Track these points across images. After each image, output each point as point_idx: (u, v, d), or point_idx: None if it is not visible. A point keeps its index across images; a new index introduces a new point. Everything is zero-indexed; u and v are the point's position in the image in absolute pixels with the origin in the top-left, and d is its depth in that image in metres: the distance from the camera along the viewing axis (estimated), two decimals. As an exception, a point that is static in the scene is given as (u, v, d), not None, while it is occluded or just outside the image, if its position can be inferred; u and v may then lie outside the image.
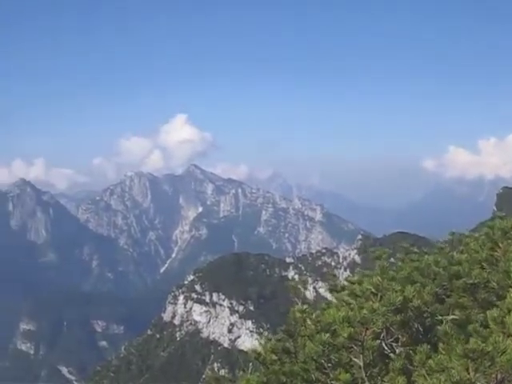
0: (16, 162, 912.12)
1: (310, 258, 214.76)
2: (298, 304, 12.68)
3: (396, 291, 10.51)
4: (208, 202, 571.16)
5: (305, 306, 11.75)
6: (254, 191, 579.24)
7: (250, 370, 13.07)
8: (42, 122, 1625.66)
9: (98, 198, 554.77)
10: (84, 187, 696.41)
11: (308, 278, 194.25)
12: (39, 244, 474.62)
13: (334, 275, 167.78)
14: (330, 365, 10.16)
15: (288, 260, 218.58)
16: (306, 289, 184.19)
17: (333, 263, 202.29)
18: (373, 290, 10.64)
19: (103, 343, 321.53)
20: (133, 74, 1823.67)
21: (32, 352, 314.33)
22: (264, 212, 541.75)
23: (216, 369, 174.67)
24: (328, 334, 9.90)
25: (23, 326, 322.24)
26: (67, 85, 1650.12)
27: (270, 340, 12.35)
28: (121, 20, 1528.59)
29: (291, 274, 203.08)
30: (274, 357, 11.79)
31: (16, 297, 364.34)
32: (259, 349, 12.21)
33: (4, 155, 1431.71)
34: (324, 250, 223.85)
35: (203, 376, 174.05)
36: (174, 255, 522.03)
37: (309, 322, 11.32)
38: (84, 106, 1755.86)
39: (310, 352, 10.12)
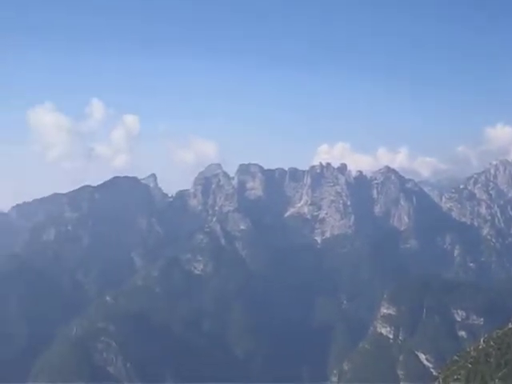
0: (381, 150, 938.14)
1: None
2: None
3: None
4: None
5: None
6: None
7: None
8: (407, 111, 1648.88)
9: (461, 187, 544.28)
10: (446, 175, 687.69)
11: None
12: (401, 231, 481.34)
13: None
14: None
15: None
16: None
17: None
18: None
19: (462, 333, 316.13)
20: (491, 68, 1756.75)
21: (391, 336, 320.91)
22: None
23: None
24: None
25: (384, 310, 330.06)
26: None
27: None
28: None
29: None
30: None
31: (378, 281, 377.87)
32: None
33: (369, 144, 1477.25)
34: None
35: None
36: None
37: None
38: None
39: None
